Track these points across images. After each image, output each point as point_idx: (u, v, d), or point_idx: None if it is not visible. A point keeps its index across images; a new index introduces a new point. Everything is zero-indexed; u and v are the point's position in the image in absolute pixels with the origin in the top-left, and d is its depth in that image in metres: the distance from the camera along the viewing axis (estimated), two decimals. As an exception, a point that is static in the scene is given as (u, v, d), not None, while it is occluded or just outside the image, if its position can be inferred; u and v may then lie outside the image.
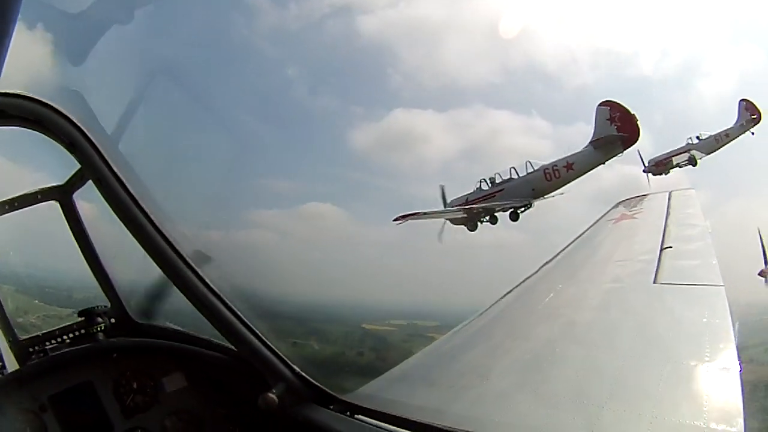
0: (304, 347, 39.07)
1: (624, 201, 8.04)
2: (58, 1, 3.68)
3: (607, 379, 3.45)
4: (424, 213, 19.26)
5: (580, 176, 18.31)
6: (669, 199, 7.26)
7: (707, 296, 4.45)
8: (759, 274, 17.32)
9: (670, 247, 5.56)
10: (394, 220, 18.72)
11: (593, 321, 4.48)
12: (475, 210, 18.67)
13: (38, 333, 4.00)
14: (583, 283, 5.57)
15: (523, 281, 5.91)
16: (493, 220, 18.98)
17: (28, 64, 3.53)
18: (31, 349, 3.90)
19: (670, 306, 4.52)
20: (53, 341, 3.98)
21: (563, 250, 6.79)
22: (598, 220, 7.58)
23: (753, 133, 22.60)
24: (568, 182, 18.44)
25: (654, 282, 4.85)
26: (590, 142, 17.63)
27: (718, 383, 3.14)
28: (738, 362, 3.28)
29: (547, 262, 6.36)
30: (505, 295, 5.57)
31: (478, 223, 19.25)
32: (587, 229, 7.33)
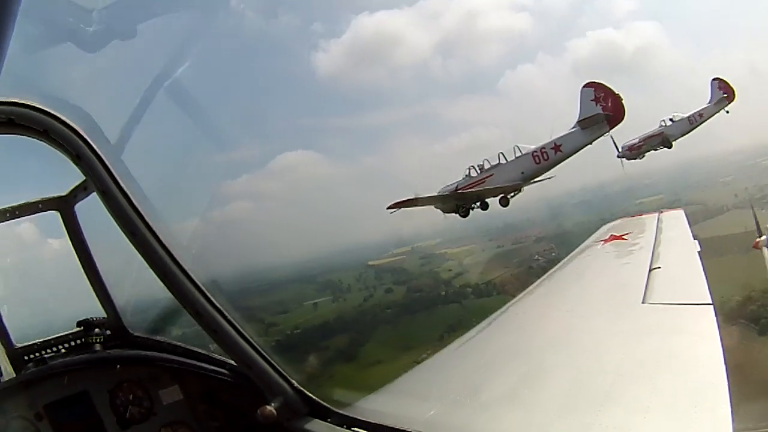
0: (324, 307, 39.27)
1: (613, 222, 8.17)
2: (63, 12, 3.73)
3: (596, 398, 3.47)
4: (418, 199, 19.63)
5: (568, 157, 18.73)
6: (658, 220, 7.40)
7: (696, 315, 4.51)
8: (754, 246, 17.52)
9: (659, 267, 5.64)
10: (388, 208, 19.19)
11: (582, 341, 4.53)
12: (466, 196, 18.84)
13: (35, 341, 4.02)
14: (572, 303, 5.65)
15: (515, 300, 5.98)
16: (484, 206, 19.20)
17: (36, 74, 3.60)
18: (26, 357, 3.92)
19: (659, 326, 4.56)
20: (49, 350, 3.99)
21: (553, 270, 6.88)
22: (587, 241, 7.72)
23: (728, 112, 23.13)
24: (557, 164, 18.84)
25: (643, 302, 4.91)
26: (577, 122, 17.93)
27: (707, 402, 3.13)
28: (727, 381, 3.27)
29: (537, 282, 6.45)
30: (497, 312, 5.64)
31: (470, 210, 19.51)
32: (577, 250, 7.45)
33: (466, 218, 19.89)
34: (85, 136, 3.26)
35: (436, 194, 19.67)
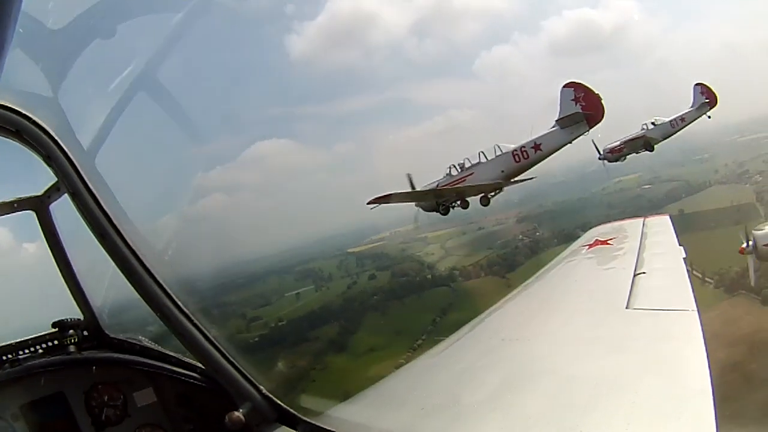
0: (307, 296, 39.03)
1: (598, 227, 8.15)
2: (37, 12, 3.70)
3: (579, 405, 3.43)
4: (399, 194, 19.69)
5: (548, 156, 18.86)
6: (643, 225, 7.38)
7: (680, 321, 4.46)
8: (739, 252, 17.61)
9: (644, 272, 5.61)
10: (368, 203, 19.28)
11: (565, 346, 4.50)
12: (446, 194, 18.97)
13: (10, 342, 3.99)
14: (555, 308, 5.61)
15: (496, 305, 5.95)
16: (465, 205, 19.31)
17: (9, 72, 3.55)
18: (2, 358, 3.89)
19: (643, 331, 4.53)
20: (25, 351, 3.97)
21: (537, 275, 6.85)
22: (571, 246, 7.70)
23: (709, 117, 23.48)
24: (537, 162, 18.97)
25: (627, 307, 4.87)
26: (556, 121, 18.05)
27: (691, 409, 3.11)
28: (711, 386, 3.24)
29: (520, 287, 6.42)
30: (477, 318, 5.61)
31: (450, 208, 19.62)
32: (561, 255, 7.42)
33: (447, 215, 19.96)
34: (56, 138, 3.24)
35: (416, 190, 19.70)
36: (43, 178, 3.84)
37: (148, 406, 3.90)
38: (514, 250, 40.86)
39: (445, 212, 19.53)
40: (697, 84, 23.89)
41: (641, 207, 39.18)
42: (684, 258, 6.00)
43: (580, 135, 18.15)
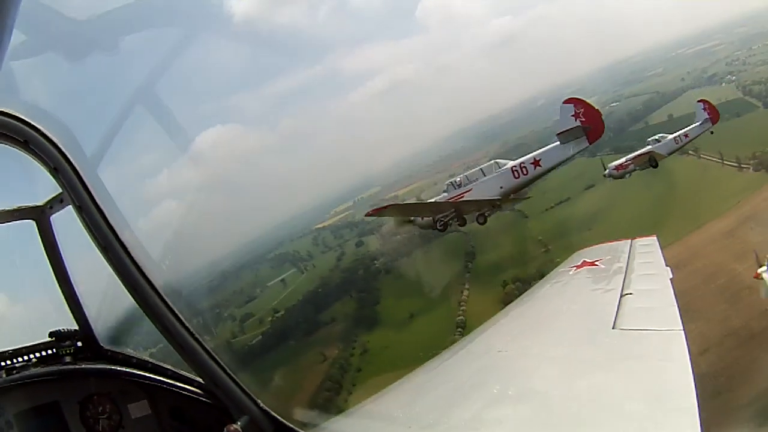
0: (293, 280, 36.53)
1: (585, 249, 8.24)
2: (47, 23, 3.77)
3: (566, 424, 3.50)
4: (397, 206, 20.13)
5: (547, 172, 18.96)
6: (630, 246, 7.50)
7: (666, 341, 4.53)
8: (754, 277, 17.89)
9: (630, 293, 5.68)
10: (366, 215, 19.24)
11: (552, 365, 4.54)
12: (445, 209, 18.93)
13: (6, 349, 4.00)
14: (542, 328, 5.68)
15: (486, 324, 6.00)
16: (462, 222, 19.31)
17: (19, 86, 3.62)
18: None
19: (629, 351, 4.59)
20: (21, 359, 3.97)
21: (524, 295, 6.93)
22: (558, 267, 7.79)
23: (712, 132, 24.45)
24: (536, 179, 19.03)
25: (613, 328, 4.93)
26: (556, 135, 18.17)
27: (678, 428, 3.19)
28: (697, 405, 3.29)
29: (508, 307, 6.49)
30: (469, 336, 5.65)
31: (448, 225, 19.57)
32: (548, 276, 7.51)
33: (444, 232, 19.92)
34: (64, 150, 3.29)
35: (415, 203, 19.70)
36: (40, 189, 3.90)
37: (143, 419, 3.92)
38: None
39: (444, 229, 19.43)
40: (700, 101, 25.00)
41: (621, 120, 40.40)
42: (671, 279, 6.09)
43: (580, 150, 18.28)
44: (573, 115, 17.77)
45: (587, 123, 17.69)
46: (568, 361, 4.61)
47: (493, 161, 19.32)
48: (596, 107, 18.57)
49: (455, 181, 19.33)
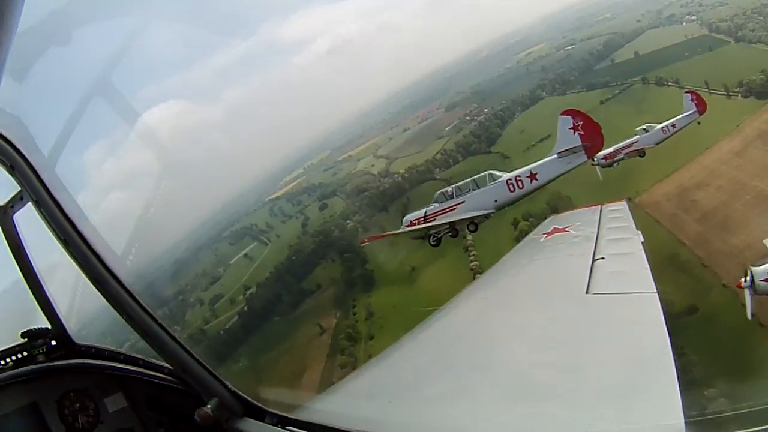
0: (257, 253, 35.02)
1: (556, 215, 8.31)
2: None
3: (543, 390, 3.53)
4: (393, 234, 19.94)
5: (543, 186, 18.61)
6: (600, 212, 7.56)
7: (639, 303, 4.60)
8: (737, 286, 18.15)
9: (602, 258, 5.75)
10: (362, 243, 19.22)
11: (526, 333, 4.59)
12: (437, 225, 18.86)
13: None
14: (515, 295, 5.73)
15: (459, 294, 6.04)
16: (455, 233, 19.19)
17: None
18: None
19: (603, 315, 4.65)
20: None
21: (496, 264, 6.97)
22: (529, 234, 7.85)
23: (699, 123, 24.95)
24: (531, 192, 18.69)
25: (586, 292, 4.99)
26: (556, 153, 17.94)
27: (656, 390, 3.20)
28: (674, 366, 3.34)
29: (480, 276, 6.54)
30: (441, 308, 5.69)
31: (441, 239, 19.48)
32: (519, 244, 7.58)
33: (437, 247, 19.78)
34: (19, 147, 3.27)
35: (409, 228, 19.60)
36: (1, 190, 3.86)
37: (120, 411, 3.94)
38: (474, 130, 39.19)
39: (437, 244, 19.32)
40: (687, 91, 25.77)
41: (584, 60, 41.81)
42: (642, 242, 6.16)
43: (578, 165, 17.94)
44: (571, 128, 17.45)
45: (586, 137, 17.34)
46: (544, 327, 4.64)
47: (486, 173, 18.93)
48: (595, 120, 18.10)
49: (447, 192, 19.03)
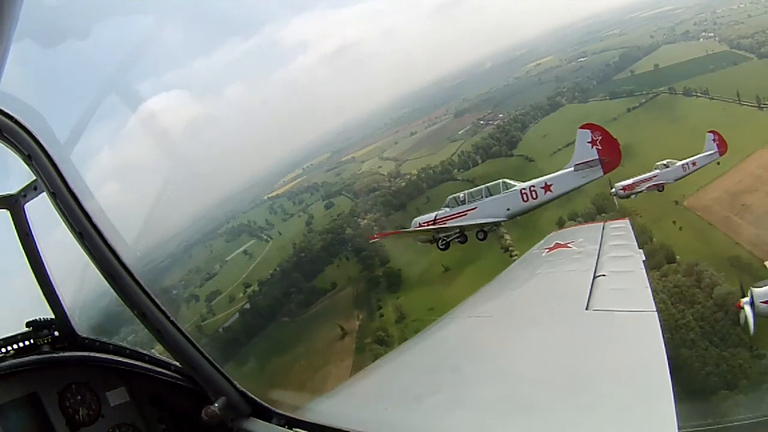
0: (257, 250, 35.11)
1: (559, 231, 8.34)
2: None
3: (540, 406, 3.54)
4: (402, 231, 20.11)
5: (558, 198, 18.65)
6: (603, 229, 7.61)
7: (639, 322, 4.61)
8: (736, 307, 18.34)
9: (603, 275, 5.78)
10: (371, 240, 19.17)
11: (525, 347, 4.60)
12: (449, 230, 18.84)
13: None
14: (515, 308, 5.74)
15: (459, 306, 6.05)
16: (463, 239, 19.18)
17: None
18: None
19: (602, 332, 4.68)
20: None
21: (497, 278, 7.00)
22: (531, 250, 7.88)
23: (719, 163, 25.76)
24: (545, 204, 18.76)
25: (586, 309, 5.01)
26: (573, 166, 17.91)
27: (652, 408, 3.21)
28: (671, 385, 3.34)
29: (480, 290, 6.56)
30: (442, 319, 5.70)
31: (449, 244, 19.41)
32: (521, 258, 7.61)
33: (446, 251, 19.70)
34: (38, 137, 3.28)
35: (418, 228, 19.52)
36: (12, 178, 3.86)
37: (122, 406, 3.94)
38: (493, 133, 39.84)
39: (445, 248, 19.28)
40: (710, 131, 25.77)
41: (601, 71, 43.11)
42: (643, 261, 6.20)
43: (594, 179, 18.01)
44: (590, 142, 17.47)
45: (604, 152, 17.39)
46: (542, 342, 4.65)
47: (501, 181, 18.96)
48: (613, 136, 18.05)
49: (458, 197, 19.07)
